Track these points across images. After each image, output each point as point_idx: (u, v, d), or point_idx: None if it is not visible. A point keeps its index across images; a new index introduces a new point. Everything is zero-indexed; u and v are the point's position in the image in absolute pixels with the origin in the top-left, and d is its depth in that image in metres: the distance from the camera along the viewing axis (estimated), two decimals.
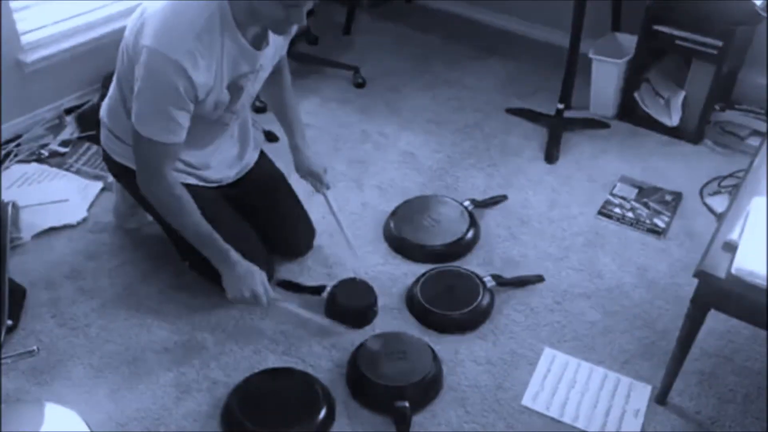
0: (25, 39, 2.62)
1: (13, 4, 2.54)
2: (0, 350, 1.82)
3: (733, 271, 1.53)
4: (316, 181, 2.22)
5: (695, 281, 1.63)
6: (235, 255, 1.90)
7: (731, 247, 1.60)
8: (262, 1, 1.67)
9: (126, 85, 1.86)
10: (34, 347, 1.90)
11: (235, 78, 1.82)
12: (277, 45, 1.94)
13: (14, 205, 2.27)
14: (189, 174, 2.01)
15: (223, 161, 2.11)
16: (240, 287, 1.89)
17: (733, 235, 1.62)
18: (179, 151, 1.84)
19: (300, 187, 2.29)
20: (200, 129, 1.90)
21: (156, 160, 1.80)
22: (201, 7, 1.69)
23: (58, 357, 1.92)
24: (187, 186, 1.96)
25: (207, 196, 1.99)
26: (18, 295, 2.05)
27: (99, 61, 2.81)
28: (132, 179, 2.01)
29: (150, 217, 2.20)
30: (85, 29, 2.79)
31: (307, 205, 2.27)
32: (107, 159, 2.10)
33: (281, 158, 2.34)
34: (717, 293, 1.60)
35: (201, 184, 2.04)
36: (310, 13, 1.79)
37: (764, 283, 1.50)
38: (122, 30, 2.81)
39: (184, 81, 1.69)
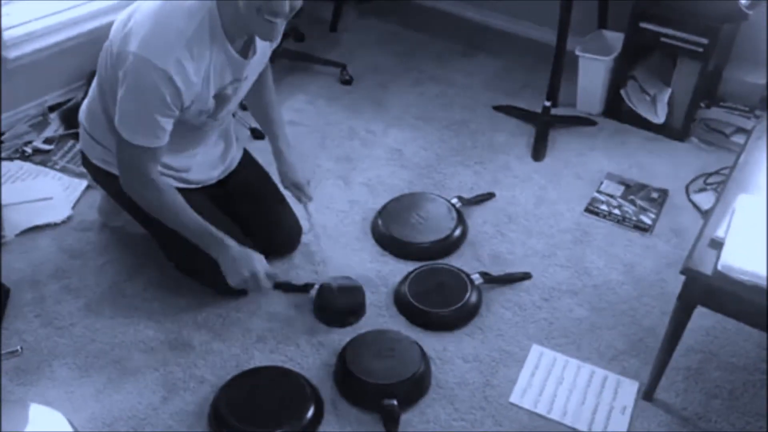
0: (7, 35, 2.59)
1: None
2: None
3: (719, 267, 1.54)
4: (300, 192, 2.17)
5: (681, 278, 1.63)
6: (229, 240, 1.88)
7: (717, 244, 1.61)
8: (245, 13, 1.66)
9: (108, 89, 1.84)
10: (18, 347, 1.88)
11: (222, 87, 1.81)
12: (263, 53, 1.93)
13: None
14: (169, 177, 1.99)
15: (205, 163, 2.09)
16: (239, 270, 1.86)
17: (719, 232, 1.63)
18: (163, 153, 1.82)
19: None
20: (182, 134, 1.89)
21: (141, 163, 1.79)
22: (191, 15, 1.68)
23: (42, 357, 1.90)
24: None
25: (189, 198, 1.98)
26: (1, 294, 2.03)
27: (83, 58, 2.79)
28: (112, 182, 2.00)
29: None
30: (69, 25, 2.75)
31: (292, 203, 2.26)
32: (86, 162, 2.08)
33: (268, 156, 2.32)
34: (703, 290, 1.60)
35: (183, 186, 2.02)
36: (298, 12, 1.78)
37: (749, 279, 1.51)
38: (107, 27, 2.78)
39: (171, 89, 1.67)
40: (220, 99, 1.85)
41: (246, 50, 1.83)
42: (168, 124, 1.76)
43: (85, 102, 2.04)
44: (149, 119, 1.72)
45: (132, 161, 1.80)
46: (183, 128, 1.85)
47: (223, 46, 1.74)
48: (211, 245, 1.88)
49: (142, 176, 1.81)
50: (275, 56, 2.14)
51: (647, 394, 1.86)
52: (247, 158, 2.25)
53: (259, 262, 1.90)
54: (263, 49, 1.91)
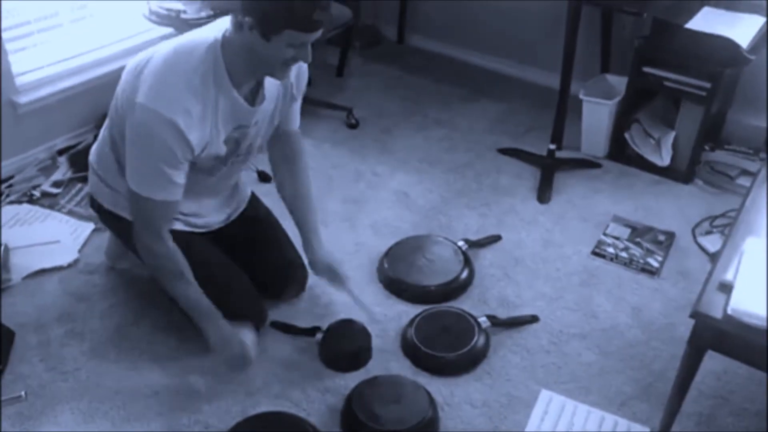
0: (20, 80, 2.64)
1: (8, 46, 2.56)
2: None
3: (729, 311, 1.53)
4: (335, 275, 2.09)
5: (690, 321, 1.62)
6: (222, 319, 1.88)
7: (726, 288, 1.60)
8: (263, 47, 1.67)
9: (118, 135, 1.85)
10: (22, 392, 1.86)
11: (231, 132, 1.82)
12: (274, 99, 1.92)
13: (5, 248, 2.24)
14: (178, 220, 2.00)
15: (212, 207, 2.10)
16: (229, 350, 1.87)
17: (728, 276, 1.62)
18: (177, 208, 1.82)
19: (291, 228, 2.27)
20: (195, 179, 1.90)
21: (153, 218, 1.78)
22: (196, 64, 1.70)
23: (45, 402, 1.89)
24: (177, 232, 1.94)
25: (196, 241, 1.98)
26: (6, 338, 2.02)
27: (92, 103, 2.83)
28: (119, 225, 2.00)
29: None
30: (78, 71, 2.81)
31: (299, 247, 2.26)
32: (95, 205, 2.09)
33: (274, 198, 2.33)
34: (714, 334, 1.59)
35: (189, 229, 2.03)
36: None
37: (761, 323, 1.50)
38: (115, 72, 2.85)
39: (179, 141, 1.68)
40: (231, 143, 1.85)
41: (253, 97, 1.84)
42: (179, 178, 1.75)
43: (95, 145, 2.06)
44: (158, 171, 1.72)
45: (143, 215, 1.79)
46: (196, 174, 1.86)
47: (229, 94, 1.75)
48: (204, 318, 1.88)
49: (152, 231, 1.80)
50: None
51: None
52: (254, 202, 2.26)
53: (247, 343, 1.90)
54: (274, 97, 1.92)
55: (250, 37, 1.65)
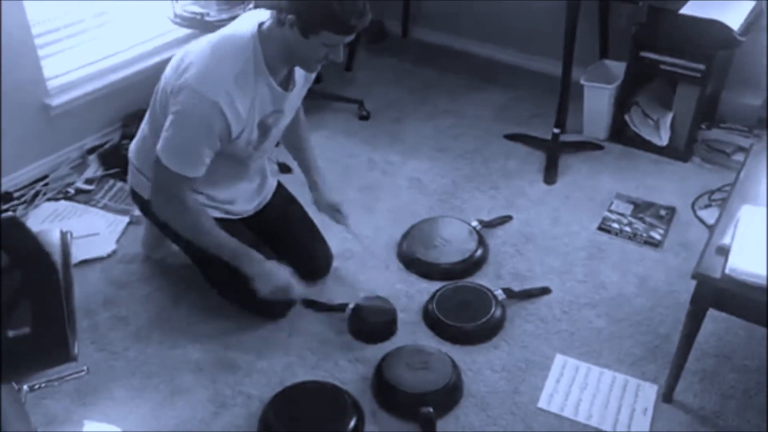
0: (51, 84, 2.77)
1: (40, 52, 2.70)
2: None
3: (727, 271, 1.68)
4: (336, 212, 2.33)
5: (692, 287, 1.78)
6: (259, 254, 2.02)
7: (724, 251, 1.75)
8: (301, 43, 1.83)
9: (163, 119, 2.00)
10: (84, 368, 2.00)
11: (264, 117, 1.98)
12: (301, 88, 2.11)
13: (71, 235, 2.36)
14: (215, 208, 2.15)
15: (244, 196, 2.25)
16: (271, 280, 2.01)
17: (725, 240, 1.77)
18: (197, 182, 1.97)
19: (316, 213, 2.42)
20: (229, 167, 2.05)
21: (174, 188, 1.94)
22: (238, 52, 1.87)
23: (99, 380, 2.03)
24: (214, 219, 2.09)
25: (230, 228, 2.13)
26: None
27: (119, 102, 2.97)
28: None
29: (175, 247, 2.32)
30: (106, 73, 2.93)
31: (323, 231, 2.41)
32: (136, 197, 2.24)
33: (295, 188, 2.47)
34: (714, 292, 1.74)
35: (225, 216, 2.18)
36: None
37: (756, 280, 1.65)
38: (138, 74, 2.99)
39: (220, 120, 1.84)
40: (262, 129, 2.01)
41: (286, 83, 2.01)
42: (208, 157, 1.91)
43: (135, 141, 2.20)
44: (192, 149, 1.88)
45: (168, 186, 1.94)
46: (230, 161, 2.01)
47: (266, 79, 1.92)
48: (242, 260, 2.02)
49: (176, 199, 1.95)
50: None
51: (666, 396, 1.98)
52: (280, 189, 2.40)
53: (290, 273, 2.04)
54: (300, 84, 2.09)
55: (290, 32, 1.82)
